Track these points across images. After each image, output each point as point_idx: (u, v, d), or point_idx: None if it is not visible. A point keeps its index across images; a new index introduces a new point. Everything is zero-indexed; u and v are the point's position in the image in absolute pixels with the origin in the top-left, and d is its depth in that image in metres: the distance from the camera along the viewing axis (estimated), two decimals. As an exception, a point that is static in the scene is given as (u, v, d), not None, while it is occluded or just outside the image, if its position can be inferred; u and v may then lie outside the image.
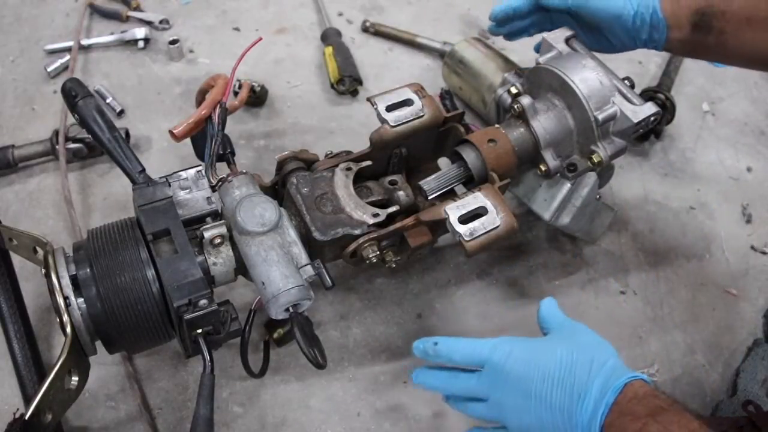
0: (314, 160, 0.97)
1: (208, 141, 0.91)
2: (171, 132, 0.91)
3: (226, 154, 0.96)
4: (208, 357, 0.77)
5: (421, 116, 0.95)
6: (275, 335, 1.03)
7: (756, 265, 1.23)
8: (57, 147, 1.22)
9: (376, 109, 0.95)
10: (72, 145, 1.23)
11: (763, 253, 1.25)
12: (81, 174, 1.26)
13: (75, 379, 0.77)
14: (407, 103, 0.96)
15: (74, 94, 0.89)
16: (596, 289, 1.17)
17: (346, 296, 1.13)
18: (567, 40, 1.01)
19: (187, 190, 0.86)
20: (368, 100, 0.96)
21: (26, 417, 0.70)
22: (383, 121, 0.94)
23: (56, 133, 1.24)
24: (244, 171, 0.91)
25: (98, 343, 0.82)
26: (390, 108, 0.95)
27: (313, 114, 1.39)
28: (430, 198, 0.95)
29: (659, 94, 1.35)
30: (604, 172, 1.11)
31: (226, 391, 1.01)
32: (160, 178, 0.87)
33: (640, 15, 0.98)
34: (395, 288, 1.15)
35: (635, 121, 0.92)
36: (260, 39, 1.01)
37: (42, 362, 0.99)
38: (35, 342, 1.00)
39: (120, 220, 0.86)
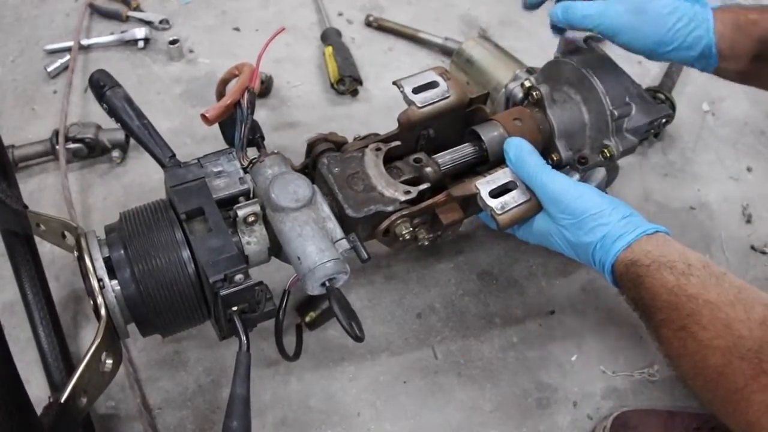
0: (343, 142, 0.98)
1: (237, 126, 0.92)
2: (203, 115, 0.91)
3: (256, 138, 0.96)
4: (243, 336, 0.77)
5: (447, 97, 0.96)
6: (307, 319, 1.04)
7: (756, 265, 1.23)
8: (57, 147, 1.22)
9: (402, 91, 0.95)
10: (72, 145, 1.23)
11: (763, 253, 1.25)
12: (81, 174, 1.26)
13: (109, 362, 0.76)
14: (432, 85, 0.96)
15: (102, 84, 0.90)
16: (596, 289, 1.17)
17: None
18: (586, 40, 1.04)
19: (219, 171, 0.87)
20: (394, 83, 0.96)
21: (62, 400, 0.69)
22: (410, 102, 0.94)
23: (56, 133, 1.24)
24: (276, 151, 0.91)
25: (130, 327, 0.82)
26: (416, 90, 0.95)
27: (313, 114, 1.39)
28: (443, 169, 0.95)
29: (660, 94, 1.35)
30: (609, 173, 1.12)
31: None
32: (192, 160, 0.87)
33: (687, 46, 0.84)
34: (395, 288, 1.15)
35: (649, 119, 0.95)
36: (282, 29, 1.01)
37: (68, 350, 0.99)
38: (61, 329, 1.00)
39: (152, 201, 0.86)
